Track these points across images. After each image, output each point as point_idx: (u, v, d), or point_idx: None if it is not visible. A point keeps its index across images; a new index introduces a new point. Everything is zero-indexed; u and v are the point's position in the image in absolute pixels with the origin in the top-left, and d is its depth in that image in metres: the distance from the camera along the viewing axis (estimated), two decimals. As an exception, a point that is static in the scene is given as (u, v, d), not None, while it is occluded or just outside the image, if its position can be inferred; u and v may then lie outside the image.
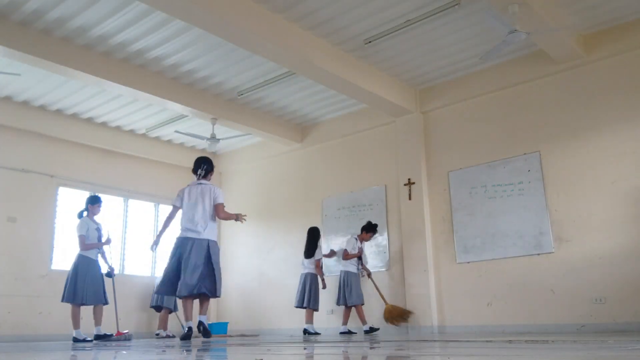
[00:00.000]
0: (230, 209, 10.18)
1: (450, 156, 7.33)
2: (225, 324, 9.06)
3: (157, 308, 8.49)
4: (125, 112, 8.40)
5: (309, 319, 7.39)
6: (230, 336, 8.22)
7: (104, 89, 7.22)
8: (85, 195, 8.78)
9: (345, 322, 7.27)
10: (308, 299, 7.34)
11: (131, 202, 9.40)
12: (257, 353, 2.59)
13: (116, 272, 8.97)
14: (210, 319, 9.61)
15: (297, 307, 7.50)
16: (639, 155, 5.85)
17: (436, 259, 7.20)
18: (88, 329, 6.42)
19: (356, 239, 7.37)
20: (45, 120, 8.17)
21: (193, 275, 4.90)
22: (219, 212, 5.27)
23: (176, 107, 7.69)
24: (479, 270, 6.78)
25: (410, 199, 7.43)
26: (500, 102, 7.01)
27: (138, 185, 9.37)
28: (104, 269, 6.54)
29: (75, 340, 6.08)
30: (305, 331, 7.31)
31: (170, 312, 8.42)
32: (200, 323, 4.94)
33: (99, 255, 6.49)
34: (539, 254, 6.32)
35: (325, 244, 8.25)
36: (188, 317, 5.07)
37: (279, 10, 5.77)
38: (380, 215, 7.87)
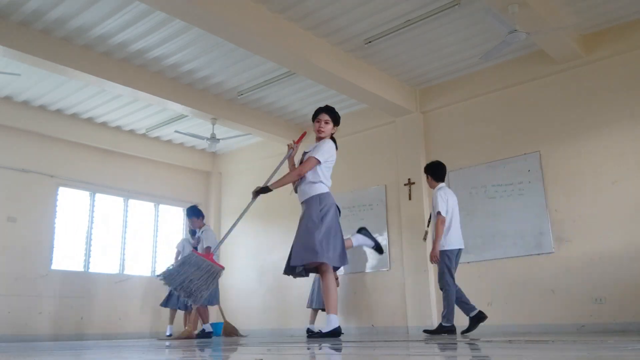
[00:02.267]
0: (229, 209, 10.25)
1: (450, 156, 7.31)
2: (220, 324, 9.01)
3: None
4: (125, 112, 8.41)
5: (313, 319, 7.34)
6: (217, 336, 8.18)
7: (104, 89, 7.22)
8: (85, 195, 8.83)
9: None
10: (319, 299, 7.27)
11: (131, 202, 9.41)
12: (257, 353, 2.59)
13: (117, 271, 9.04)
14: (210, 319, 9.58)
15: (311, 307, 7.41)
16: (639, 156, 5.85)
17: (436, 259, 7.19)
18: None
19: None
20: (45, 120, 8.18)
21: None
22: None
23: (176, 107, 7.69)
24: (479, 270, 6.78)
25: (410, 199, 7.43)
26: (500, 102, 7.01)
27: (138, 185, 9.38)
28: None
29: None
30: (309, 330, 7.22)
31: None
32: None
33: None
34: (539, 254, 6.32)
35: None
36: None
37: (279, 10, 5.78)
38: (380, 215, 7.86)
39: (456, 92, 7.37)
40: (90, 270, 8.58)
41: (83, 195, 8.81)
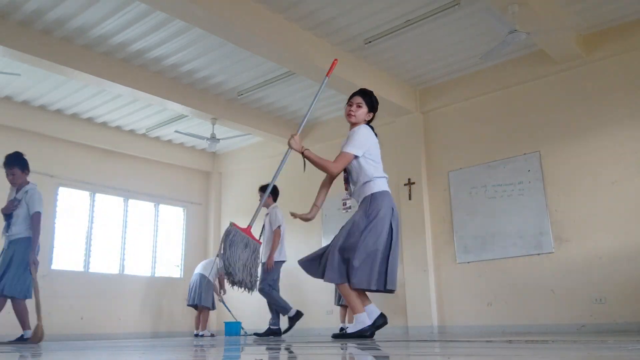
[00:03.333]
0: (229, 209, 10.24)
1: (450, 156, 7.33)
2: (238, 323, 9.00)
3: (194, 306, 8.44)
4: (125, 112, 8.41)
5: (351, 318, 7.27)
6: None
7: (104, 89, 7.22)
8: (85, 195, 8.82)
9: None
10: None
11: (131, 202, 9.41)
12: (257, 353, 2.59)
13: (117, 271, 9.04)
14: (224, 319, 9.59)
15: (340, 305, 7.37)
16: (639, 156, 5.85)
17: (436, 259, 7.20)
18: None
19: None
20: (45, 120, 8.18)
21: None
22: None
23: (176, 107, 7.69)
24: (479, 270, 6.78)
25: (410, 199, 7.43)
26: (500, 102, 7.01)
27: (138, 185, 9.38)
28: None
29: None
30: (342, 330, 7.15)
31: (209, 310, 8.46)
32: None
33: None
34: (539, 254, 6.32)
35: (326, 244, 8.24)
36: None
37: (279, 10, 5.78)
38: (380, 215, 7.86)
39: (456, 92, 7.37)
40: (90, 270, 8.58)
41: (83, 195, 8.81)
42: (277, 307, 6.46)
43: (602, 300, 5.79)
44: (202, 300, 8.24)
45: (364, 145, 3.68)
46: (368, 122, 3.91)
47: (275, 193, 6.79)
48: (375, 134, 3.90)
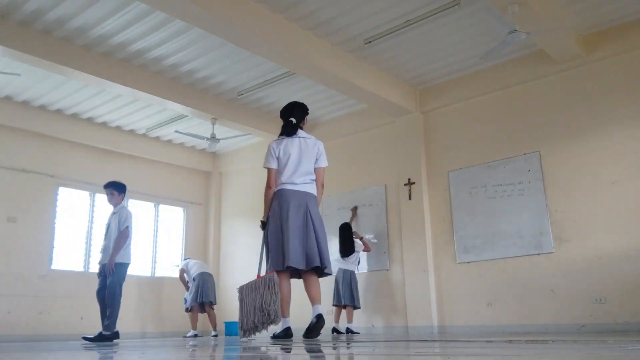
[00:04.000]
0: (229, 209, 10.24)
1: (450, 156, 7.33)
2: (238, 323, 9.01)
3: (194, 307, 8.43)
4: (125, 112, 8.41)
5: (350, 318, 7.30)
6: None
7: (104, 89, 7.23)
8: (85, 195, 8.82)
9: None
10: (350, 296, 7.23)
11: (131, 202, 9.40)
12: (257, 353, 2.59)
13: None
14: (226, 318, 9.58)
15: (335, 305, 7.34)
16: (639, 156, 5.85)
17: (436, 259, 7.20)
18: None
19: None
20: (45, 120, 8.18)
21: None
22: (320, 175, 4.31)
23: (176, 107, 7.69)
24: (479, 270, 6.78)
25: (410, 199, 7.43)
26: (500, 102, 7.01)
27: (138, 185, 9.37)
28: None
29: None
30: (348, 330, 7.19)
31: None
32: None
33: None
34: (539, 254, 6.32)
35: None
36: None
37: (279, 10, 5.78)
38: (380, 215, 7.87)
39: (456, 92, 7.37)
40: (90, 270, 8.57)
41: (83, 195, 8.81)
42: (111, 312, 5.91)
43: (602, 300, 5.79)
44: (214, 298, 8.35)
45: (268, 158, 4.19)
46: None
47: (123, 191, 6.37)
48: (294, 128, 4.25)
